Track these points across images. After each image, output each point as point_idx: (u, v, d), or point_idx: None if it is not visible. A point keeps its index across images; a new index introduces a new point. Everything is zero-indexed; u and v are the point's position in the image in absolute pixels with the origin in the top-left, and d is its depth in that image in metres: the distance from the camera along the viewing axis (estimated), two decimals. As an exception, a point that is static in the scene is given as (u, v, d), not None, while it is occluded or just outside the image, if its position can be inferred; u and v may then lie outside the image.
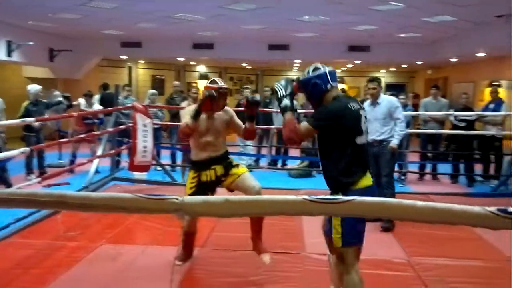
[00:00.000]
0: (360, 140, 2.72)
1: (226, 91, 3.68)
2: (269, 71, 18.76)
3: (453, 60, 12.72)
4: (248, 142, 8.60)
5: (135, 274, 3.69)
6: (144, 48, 12.96)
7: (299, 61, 15.06)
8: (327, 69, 2.74)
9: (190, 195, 3.50)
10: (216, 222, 4.88)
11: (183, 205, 1.22)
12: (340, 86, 15.49)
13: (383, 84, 17.95)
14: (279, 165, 9.22)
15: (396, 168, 7.59)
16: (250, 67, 18.21)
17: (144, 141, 6.39)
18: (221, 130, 3.73)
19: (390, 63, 15.99)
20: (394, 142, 5.12)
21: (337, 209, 0.96)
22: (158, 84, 16.53)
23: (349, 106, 2.69)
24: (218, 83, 3.67)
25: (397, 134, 5.15)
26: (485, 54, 10.90)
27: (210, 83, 3.71)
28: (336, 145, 2.68)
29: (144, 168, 6.66)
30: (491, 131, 7.46)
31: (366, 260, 3.60)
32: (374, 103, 5.24)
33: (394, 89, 14.54)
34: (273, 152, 9.15)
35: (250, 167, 8.44)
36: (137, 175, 7.02)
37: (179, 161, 8.42)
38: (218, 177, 3.69)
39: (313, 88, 2.72)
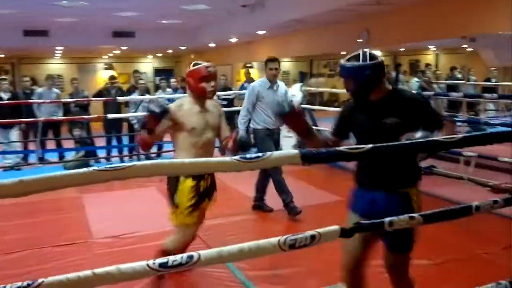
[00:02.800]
0: None
1: (215, 71, 2.99)
2: (27, 59, 16.99)
3: (212, 45, 13.91)
4: (13, 138, 7.82)
5: None
6: None
7: (61, 48, 14.13)
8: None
9: (189, 209, 2.96)
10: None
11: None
12: (109, 72, 15.29)
13: (151, 70, 18.54)
14: (54, 159, 8.67)
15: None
16: (3, 55, 16.15)
17: None
18: (217, 125, 3.12)
19: (156, 49, 16.44)
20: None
21: (124, 174, 1.18)
22: None
23: None
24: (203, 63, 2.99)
25: None
26: (237, 39, 12.32)
27: (193, 65, 3.00)
28: None
29: None
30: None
31: (151, 235, 4.00)
32: (274, 85, 4.83)
33: (163, 73, 15.09)
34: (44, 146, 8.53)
35: (18, 165, 7.75)
36: None
37: None
38: (213, 181, 3.15)
39: (371, 77, 2.20)
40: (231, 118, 8.42)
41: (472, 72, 10.69)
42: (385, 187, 2.21)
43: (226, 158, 1.28)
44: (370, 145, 1.44)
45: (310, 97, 9.15)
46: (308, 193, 5.63)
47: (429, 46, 15.57)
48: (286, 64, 15.64)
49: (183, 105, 2.95)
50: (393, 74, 9.32)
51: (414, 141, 1.58)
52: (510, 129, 5.65)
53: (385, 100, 2.22)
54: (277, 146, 4.91)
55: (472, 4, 7.58)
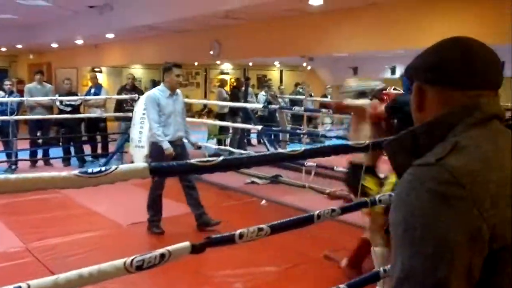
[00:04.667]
0: None
1: None
2: None
3: (54, 45, 12.80)
4: None
5: None
6: None
7: None
8: None
9: None
10: None
11: None
12: None
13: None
14: None
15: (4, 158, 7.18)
16: None
17: None
18: None
19: (-14, 45, 14.49)
20: (193, 140, 4.83)
21: None
22: None
23: None
24: None
25: (189, 130, 4.76)
26: (83, 41, 11.53)
27: None
28: None
29: None
30: (96, 113, 8.09)
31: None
32: (174, 94, 4.49)
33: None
34: None
35: None
36: None
37: None
38: None
39: None
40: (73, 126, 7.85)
41: (310, 89, 11.73)
42: None
43: (65, 174, 1.13)
44: (221, 158, 1.43)
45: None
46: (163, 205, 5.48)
47: (275, 63, 16.66)
48: (137, 72, 15.16)
49: None
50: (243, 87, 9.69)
51: (263, 153, 1.62)
52: (344, 142, 6.26)
53: None
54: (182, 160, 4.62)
55: (312, 27, 8.32)
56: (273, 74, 17.33)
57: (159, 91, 4.43)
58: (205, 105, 15.01)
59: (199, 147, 4.94)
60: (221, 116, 8.86)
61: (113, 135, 8.50)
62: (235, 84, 9.76)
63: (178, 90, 4.54)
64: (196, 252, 1.50)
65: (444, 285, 0.74)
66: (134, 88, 8.47)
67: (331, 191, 5.78)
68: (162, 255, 1.39)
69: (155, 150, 4.38)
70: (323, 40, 8.55)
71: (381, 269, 2.08)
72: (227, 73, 17.06)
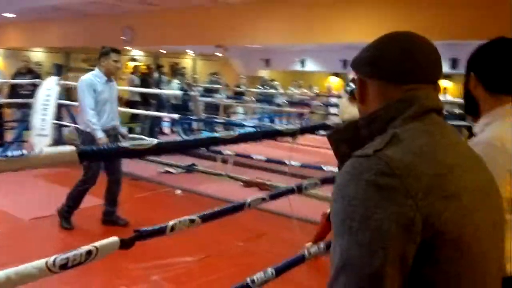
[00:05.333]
0: None
1: None
2: None
3: None
4: None
5: None
6: None
7: None
8: None
9: None
10: None
11: None
12: None
13: None
14: None
15: None
16: None
17: None
18: None
19: None
20: (122, 131, 4.54)
21: None
22: None
23: None
24: None
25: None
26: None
27: None
28: None
29: None
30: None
31: None
32: (110, 80, 4.22)
33: None
34: None
35: None
36: None
37: None
38: None
39: None
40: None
41: (224, 79, 11.74)
42: None
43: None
44: (156, 141, 1.37)
45: (67, 92, 8.43)
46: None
47: (188, 51, 16.40)
48: (38, 55, 14.03)
49: None
50: (156, 74, 9.41)
51: (197, 137, 1.58)
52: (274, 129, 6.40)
53: None
54: None
55: (226, 17, 8.31)
56: (187, 63, 17.06)
57: (94, 76, 4.15)
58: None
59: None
60: (132, 104, 8.53)
61: (10, 123, 7.81)
62: (146, 71, 9.44)
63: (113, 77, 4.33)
64: (125, 247, 1.43)
65: (380, 273, 0.76)
66: (30, 71, 7.80)
67: (248, 179, 5.89)
68: (89, 252, 1.30)
69: (87, 140, 4.08)
70: (237, 31, 8.59)
71: (306, 252, 2.14)
72: (137, 60, 16.45)
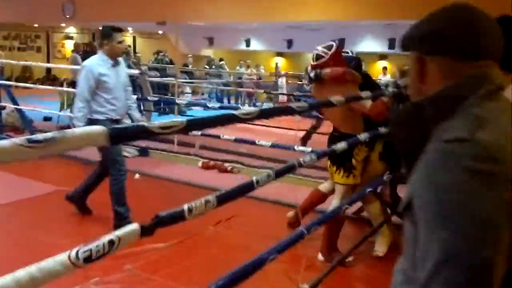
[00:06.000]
0: None
1: None
2: None
3: None
4: None
5: None
6: None
7: None
8: None
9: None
10: None
11: None
12: None
13: None
14: None
15: None
16: None
17: None
18: None
19: None
20: (138, 117, 4.11)
21: None
22: None
23: None
24: None
25: (134, 104, 4.10)
26: None
27: None
28: None
29: None
30: None
31: None
32: (116, 63, 3.76)
33: None
34: None
35: None
36: None
37: None
38: None
39: None
40: None
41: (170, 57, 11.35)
42: None
43: (5, 142, 0.81)
44: (186, 119, 1.22)
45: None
46: (22, 185, 4.75)
47: (128, 28, 15.68)
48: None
49: None
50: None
51: (219, 114, 1.44)
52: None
53: None
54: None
55: None
56: (126, 41, 16.31)
57: (97, 61, 3.69)
58: (48, 72, 13.43)
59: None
60: (76, 84, 7.99)
61: None
62: (87, 48, 8.85)
63: (120, 58, 3.88)
64: (146, 234, 1.29)
65: (489, 263, 0.73)
66: None
67: (204, 161, 5.77)
68: (111, 242, 1.15)
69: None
70: (179, 7, 8.34)
71: (304, 229, 2.08)
72: (72, 38, 15.51)
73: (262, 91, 9.93)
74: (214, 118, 1.29)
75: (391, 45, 12.35)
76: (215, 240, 3.73)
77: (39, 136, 0.85)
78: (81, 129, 0.94)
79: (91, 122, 3.70)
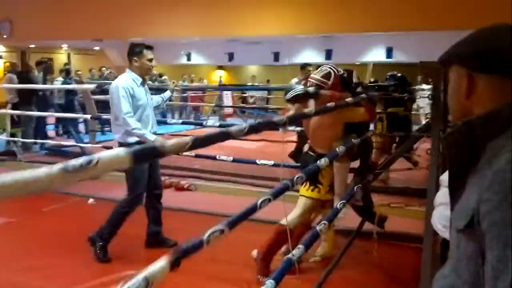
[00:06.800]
0: None
1: None
2: None
3: None
4: None
5: None
6: None
7: None
8: None
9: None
10: None
11: None
12: None
13: None
14: None
15: None
16: None
17: None
18: None
19: None
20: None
21: None
22: None
23: None
24: None
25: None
26: None
27: None
28: None
29: None
30: None
31: None
32: (144, 81, 3.63)
33: None
34: None
35: None
36: None
37: None
38: None
39: None
40: None
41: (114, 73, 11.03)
42: None
43: (46, 170, 0.77)
44: (192, 137, 1.22)
45: None
46: None
47: (62, 45, 15.09)
48: None
49: None
50: (36, 72, 8.45)
51: (219, 131, 1.46)
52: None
53: None
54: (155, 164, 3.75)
55: (103, 10, 7.87)
56: (61, 58, 15.65)
57: (128, 80, 3.49)
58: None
59: None
60: (13, 107, 7.55)
61: None
62: (20, 69, 8.46)
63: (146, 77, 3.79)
64: (174, 268, 1.26)
65: None
66: None
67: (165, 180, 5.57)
68: (146, 280, 1.10)
69: None
70: (116, 24, 8.22)
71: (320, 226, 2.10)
72: (1, 57, 14.64)
73: (213, 104, 9.87)
74: (211, 136, 1.31)
75: (328, 55, 12.84)
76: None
77: (75, 163, 0.81)
78: (108, 154, 0.91)
79: (121, 145, 3.51)
